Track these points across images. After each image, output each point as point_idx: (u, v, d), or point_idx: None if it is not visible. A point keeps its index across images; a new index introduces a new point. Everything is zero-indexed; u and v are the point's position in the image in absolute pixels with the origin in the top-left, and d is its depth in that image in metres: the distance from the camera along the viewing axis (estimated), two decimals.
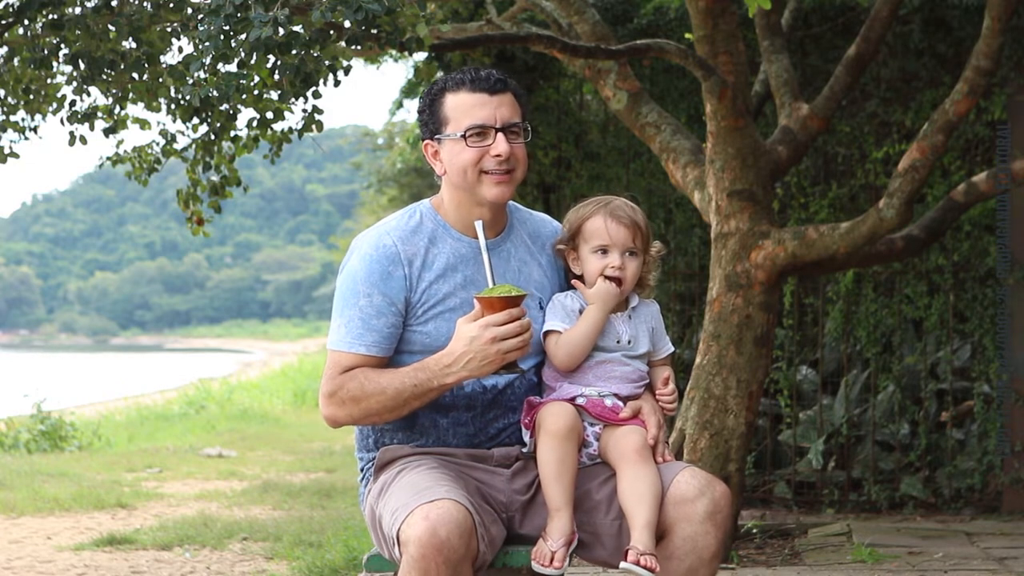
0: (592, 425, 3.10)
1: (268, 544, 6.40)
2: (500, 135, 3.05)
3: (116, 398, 21.67)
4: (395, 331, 3.07)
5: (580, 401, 3.09)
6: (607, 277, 3.11)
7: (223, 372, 28.04)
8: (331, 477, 9.46)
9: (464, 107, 3.06)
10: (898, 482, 7.33)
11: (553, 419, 3.03)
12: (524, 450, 3.14)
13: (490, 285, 3.00)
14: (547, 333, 3.12)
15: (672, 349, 3.25)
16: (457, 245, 3.12)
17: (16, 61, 5.37)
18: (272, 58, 4.23)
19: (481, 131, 3.05)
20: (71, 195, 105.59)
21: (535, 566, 2.96)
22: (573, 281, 3.17)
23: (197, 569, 5.85)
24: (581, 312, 3.12)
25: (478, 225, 3.04)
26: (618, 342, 3.13)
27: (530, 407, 3.11)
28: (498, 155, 3.04)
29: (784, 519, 6.95)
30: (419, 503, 2.82)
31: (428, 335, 3.07)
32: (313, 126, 5.32)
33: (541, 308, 3.16)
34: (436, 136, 3.11)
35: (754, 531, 6.29)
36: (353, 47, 5.04)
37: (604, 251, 3.13)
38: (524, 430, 3.12)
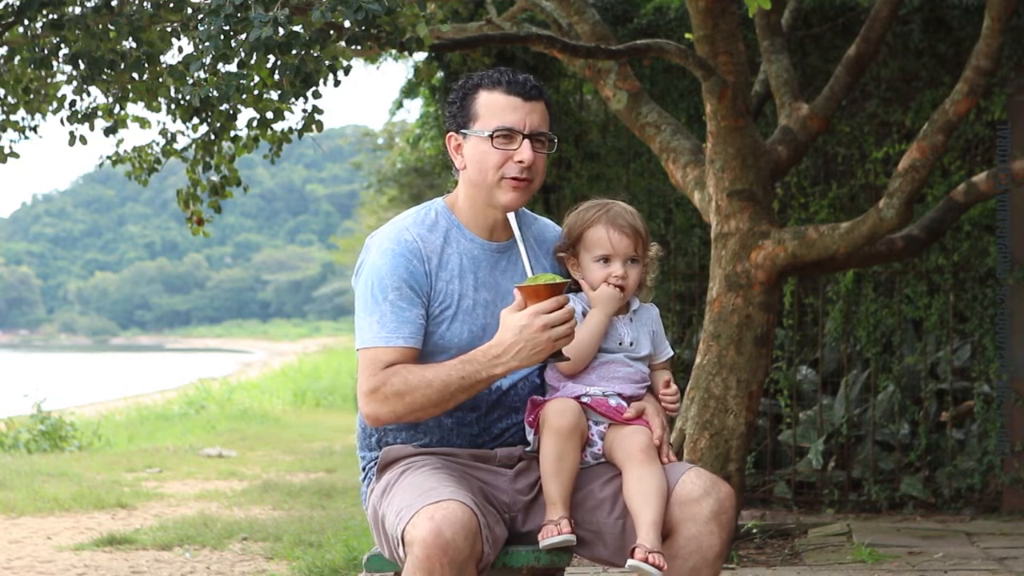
0: (597, 424, 3.10)
1: (268, 544, 6.40)
2: (527, 142, 3.05)
3: (116, 398, 21.67)
4: (424, 323, 3.05)
5: (585, 400, 3.10)
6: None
7: (223, 372, 28.04)
8: (331, 477, 9.46)
9: (496, 107, 3.06)
10: (898, 482, 7.33)
11: (557, 416, 3.04)
12: (527, 449, 3.14)
13: (528, 275, 2.99)
14: None
15: (671, 353, 3.26)
16: (470, 247, 3.12)
17: (16, 61, 5.37)
18: (272, 58, 4.23)
19: (509, 134, 3.05)
20: (71, 195, 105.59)
21: (544, 542, 2.97)
22: (581, 282, 3.17)
23: (197, 569, 5.85)
24: (584, 315, 3.12)
25: (511, 217, 3.04)
26: (620, 344, 3.14)
27: (534, 405, 3.11)
28: (521, 161, 3.03)
29: (784, 519, 6.95)
30: (424, 504, 2.82)
31: (441, 336, 3.06)
32: (313, 126, 5.32)
33: None
34: (462, 130, 3.11)
35: (754, 531, 6.29)
36: (353, 47, 5.04)
37: (606, 260, 3.13)
38: (528, 428, 3.12)
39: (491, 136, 3.04)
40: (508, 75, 3.09)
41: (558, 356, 2.96)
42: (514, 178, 3.04)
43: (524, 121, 3.05)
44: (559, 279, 2.93)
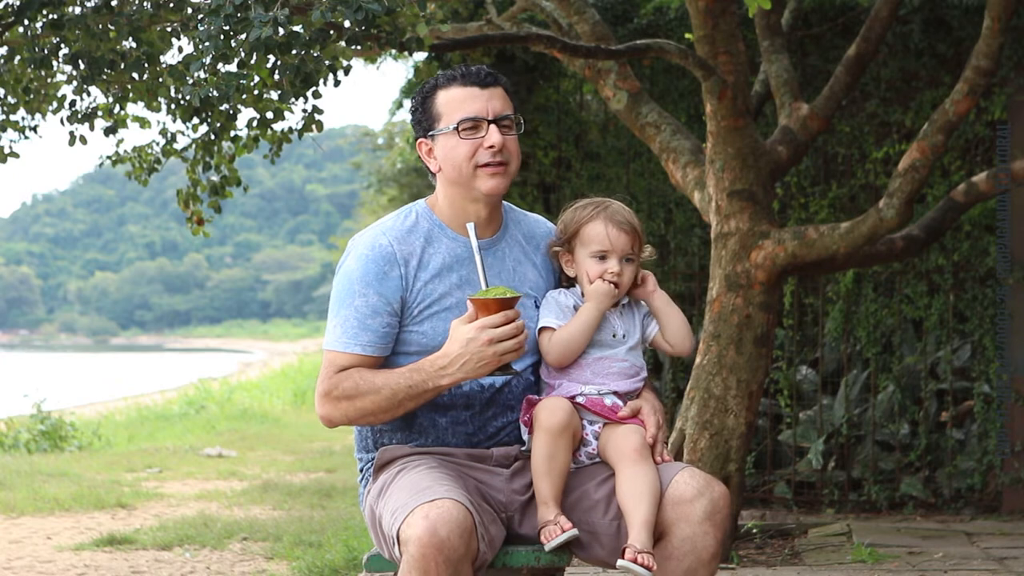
0: (592, 424, 3.10)
1: (268, 544, 6.40)
2: (493, 127, 3.06)
3: (116, 398, 21.67)
4: (391, 331, 3.07)
5: (580, 400, 3.10)
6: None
7: (223, 372, 28.03)
8: (331, 477, 9.46)
9: (456, 101, 3.08)
10: (898, 482, 7.33)
11: (548, 415, 3.04)
12: (523, 449, 3.14)
13: (483, 287, 3.00)
14: (541, 329, 3.12)
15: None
16: (453, 245, 3.12)
17: (16, 61, 5.37)
18: (272, 58, 4.24)
19: (474, 124, 3.06)
20: (71, 195, 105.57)
21: (551, 544, 2.96)
22: (583, 275, 3.16)
23: (197, 569, 5.85)
24: (575, 309, 3.13)
25: (470, 227, 3.04)
26: (614, 336, 3.14)
27: (529, 405, 3.12)
28: (491, 146, 3.05)
29: (784, 519, 6.95)
30: (419, 503, 2.82)
31: (424, 335, 3.08)
32: (313, 126, 5.32)
33: (536, 307, 3.17)
34: (430, 133, 3.12)
35: (754, 531, 6.29)
36: (353, 47, 5.04)
37: (603, 257, 3.13)
38: (523, 428, 3.12)
39: (457, 129, 3.06)
40: (461, 69, 3.11)
41: (505, 370, 2.97)
42: (489, 164, 3.05)
43: (486, 108, 3.06)
44: (511, 293, 2.95)
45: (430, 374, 2.99)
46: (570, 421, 3.05)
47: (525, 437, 3.12)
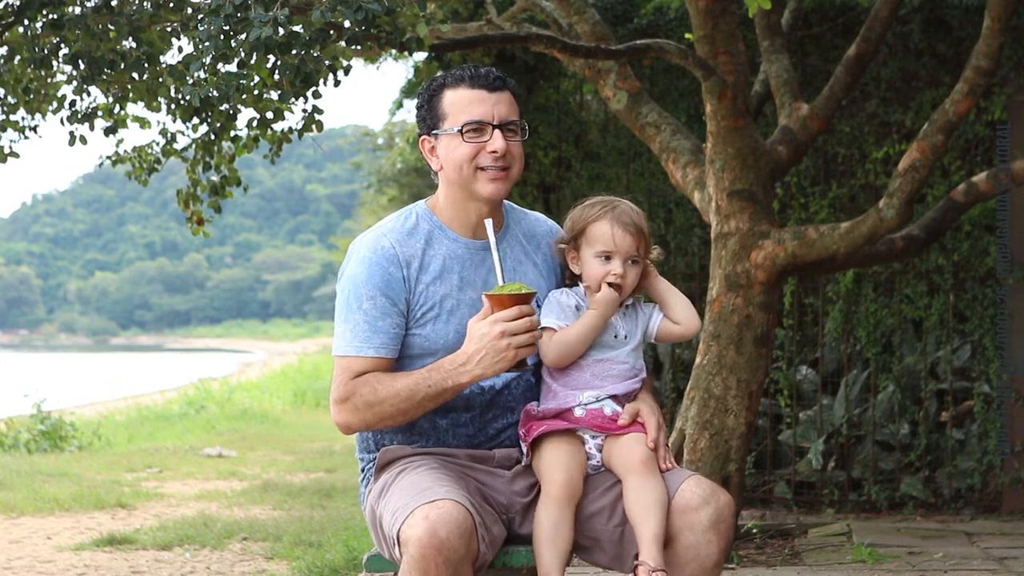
0: (594, 438, 3.09)
1: (268, 544, 6.40)
2: (497, 132, 3.05)
3: (116, 398, 21.66)
4: (400, 331, 3.06)
5: (578, 413, 3.07)
6: (609, 284, 3.10)
7: (223, 372, 28.01)
8: (331, 477, 9.46)
9: (462, 103, 3.06)
10: (898, 482, 7.33)
11: (556, 486, 3.01)
12: (523, 460, 3.12)
13: (500, 283, 2.99)
14: (541, 329, 3.10)
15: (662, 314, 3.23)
16: (453, 246, 3.11)
17: (16, 61, 5.37)
18: (272, 58, 4.23)
19: (478, 127, 3.05)
20: (71, 195, 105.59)
21: None
22: (585, 276, 3.15)
23: (197, 569, 5.85)
24: (577, 309, 3.11)
25: (488, 224, 3.03)
26: (616, 337, 3.13)
27: (528, 417, 3.09)
28: (494, 151, 3.04)
29: (784, 519, 6.95)
30: (419, 503, 2.81)
31: (426, 339, 3.07)
32: (313, 126, 5.32)
33: (538, 307, 3.16)
34: (433, 131, 3.11)
35: (754, 531, 6.29)
36: (353, 47, 5.04)
37: (607, 257, 3.12)
38: (522, 443, 3.10)
39: (461, 132, 3.05)
40: (470, 70, 3.09)
41: (521, 366, 2.96)
42: (490, 168, 3.04)
43: (492, 112, 3.05)
44: (526, 289, 2.94)
45: (449, 372, 2.98)
46: (576, 491, 3.02)
47: (524, 448, 3.10)
